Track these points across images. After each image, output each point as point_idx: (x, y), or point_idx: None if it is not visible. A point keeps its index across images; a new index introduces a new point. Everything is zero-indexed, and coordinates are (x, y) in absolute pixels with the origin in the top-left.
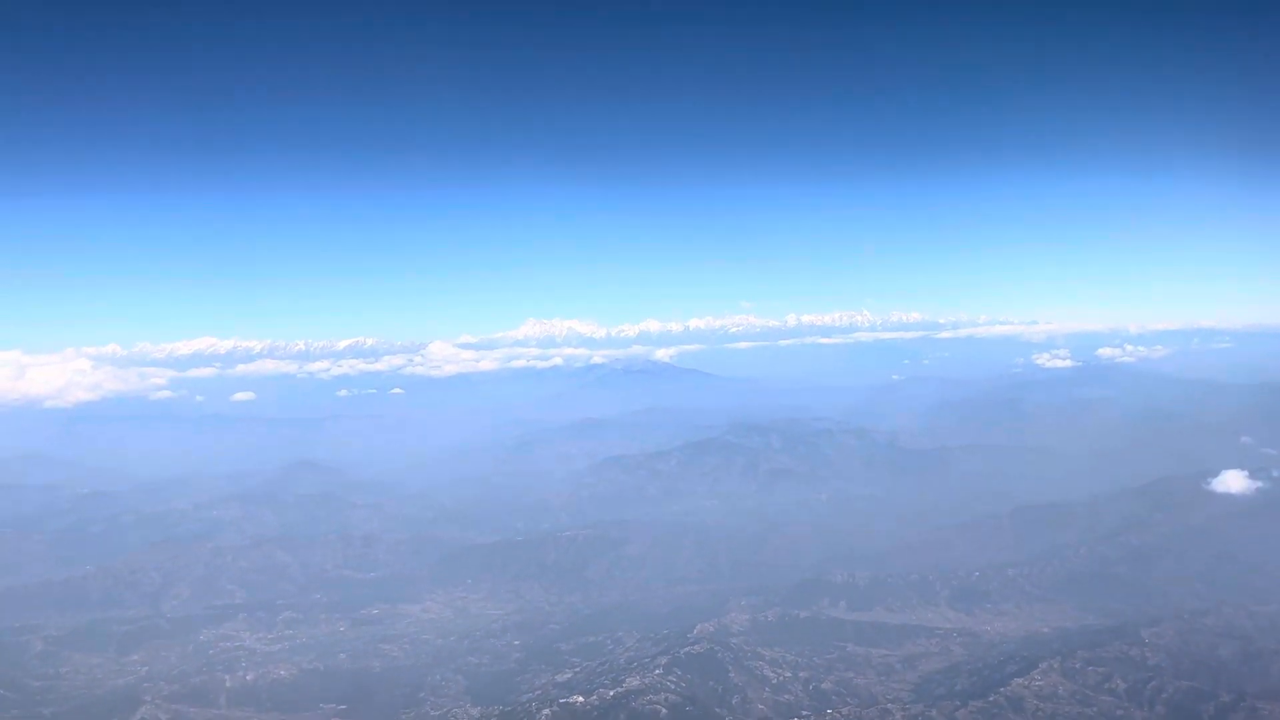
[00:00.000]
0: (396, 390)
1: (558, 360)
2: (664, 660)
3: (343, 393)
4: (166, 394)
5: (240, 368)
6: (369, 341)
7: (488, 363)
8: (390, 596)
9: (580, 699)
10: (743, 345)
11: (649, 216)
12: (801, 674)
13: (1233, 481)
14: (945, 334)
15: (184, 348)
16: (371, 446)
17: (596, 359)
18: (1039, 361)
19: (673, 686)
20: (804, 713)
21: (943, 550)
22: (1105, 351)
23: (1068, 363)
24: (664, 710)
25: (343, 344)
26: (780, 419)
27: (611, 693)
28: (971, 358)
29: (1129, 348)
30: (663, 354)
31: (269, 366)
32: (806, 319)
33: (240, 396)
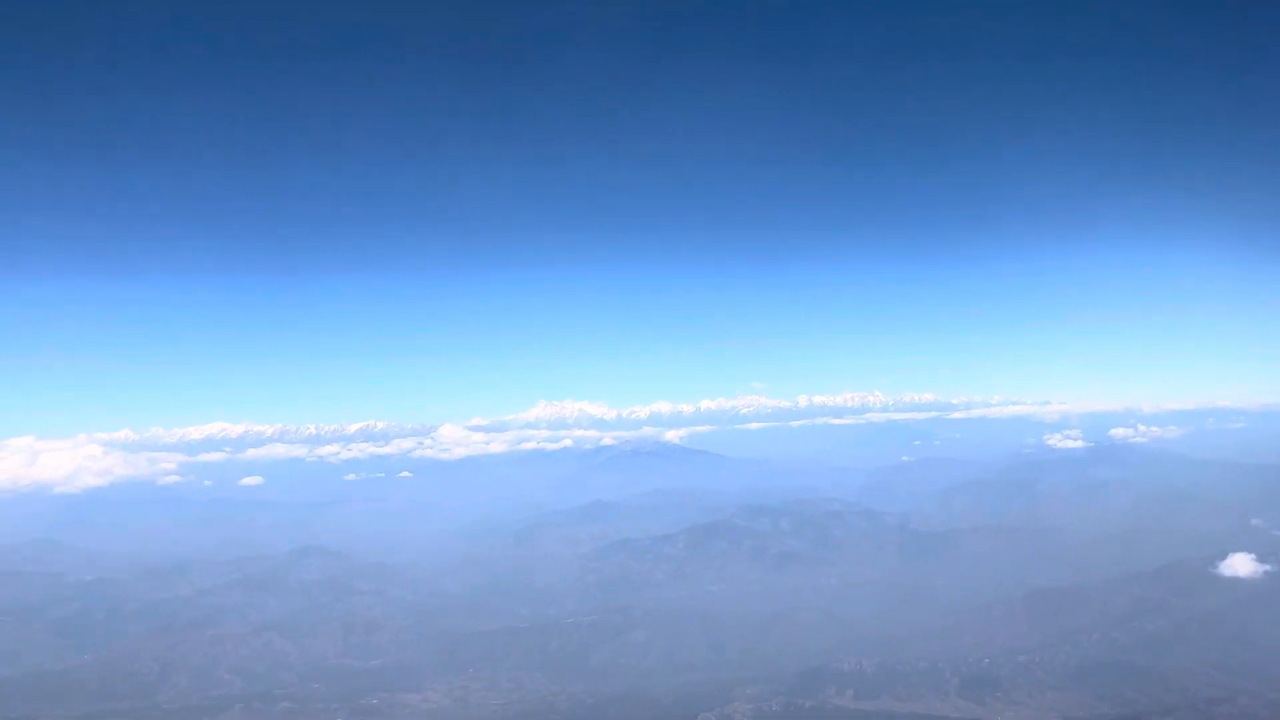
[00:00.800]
0: (405, 474)
1: (567, 442)
2: None
3: (351, 476)
4: (175, 479)
5: (250, 452)
6: (380, 424)
7: (497, 445)
8: (390, 685)
9: None
10: (754, 426)
11: (660, 297)
12: None
13: (1240, 565)
14: (958, 414)
15: (195, 432)
16: (378, 531)
17: (606, 440)
18: (1050, 442)
19: None
20: None
21: (953, 636)
22: (1118, 432)
23: (1079, 443)
24: None
25: (353, 427)
26: (790, 501)
27: None
28: (983, 438)
29: (1141, 428)
30: (673, 435)
31: (279, 450)
32: (818, 400)
33: (248, 481)
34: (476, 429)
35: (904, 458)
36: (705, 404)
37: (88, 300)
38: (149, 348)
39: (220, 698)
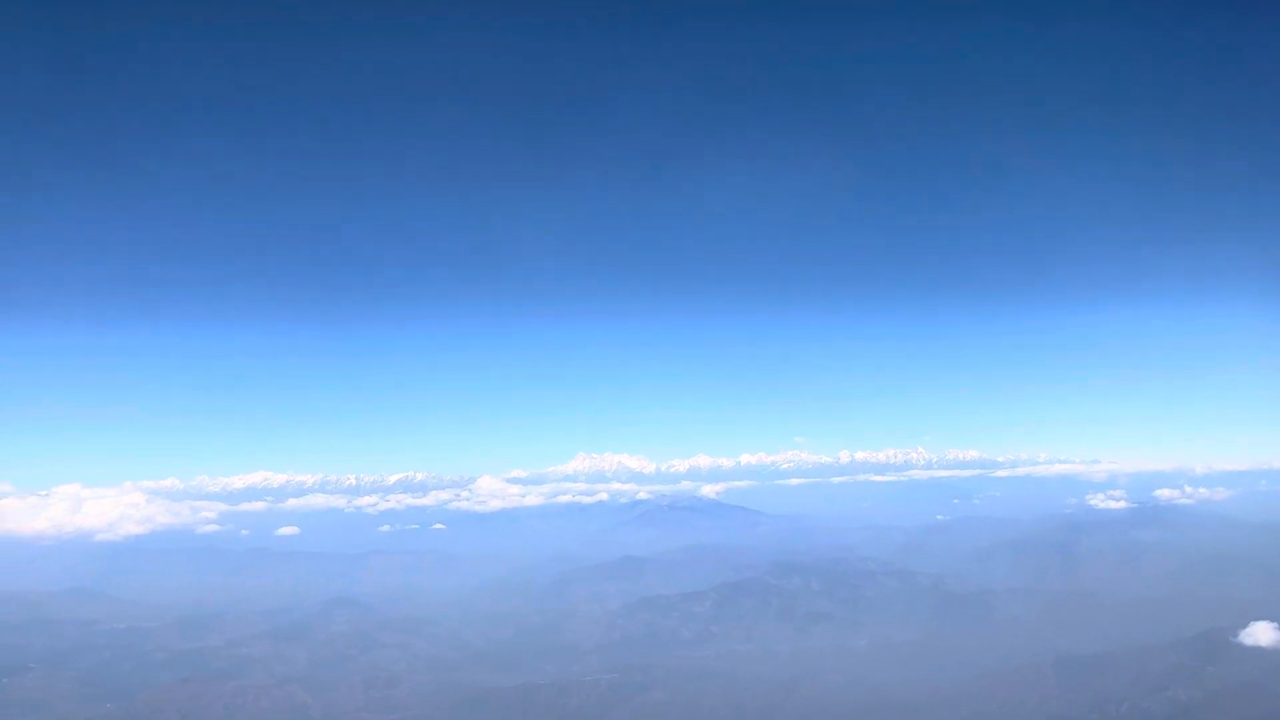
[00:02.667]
0: (439, 525)
1: (603, 496)
2: None
3: (385, 528)
4: (214, 528)
5: (291, 502)
6: (419, 476)
7: (533, 498)
8: None
9: None
10: (794, 482)
11: (702, 350)
12: None
13: (1261, 634)
14: (1002, 472)
15: (238, 481)
16: (408, 583)
17: (643, 495)
18: (1093, 502)
19: None
20: None
21: (981, 701)
22: (1163, 493)
23: (1122, 504)
24: None
25: (393, 478)
26: (823, 559)
27: None
28: (1025, 497)
29: (1188, 489)
30: (710, 490)
31: (319, 501)
32: (860, 455)
33: (285, 531)
34: (514, 481)
35: (939, 516)
36: (745, 458)
37: (139, 349)
38: (197, 396)
39: None
